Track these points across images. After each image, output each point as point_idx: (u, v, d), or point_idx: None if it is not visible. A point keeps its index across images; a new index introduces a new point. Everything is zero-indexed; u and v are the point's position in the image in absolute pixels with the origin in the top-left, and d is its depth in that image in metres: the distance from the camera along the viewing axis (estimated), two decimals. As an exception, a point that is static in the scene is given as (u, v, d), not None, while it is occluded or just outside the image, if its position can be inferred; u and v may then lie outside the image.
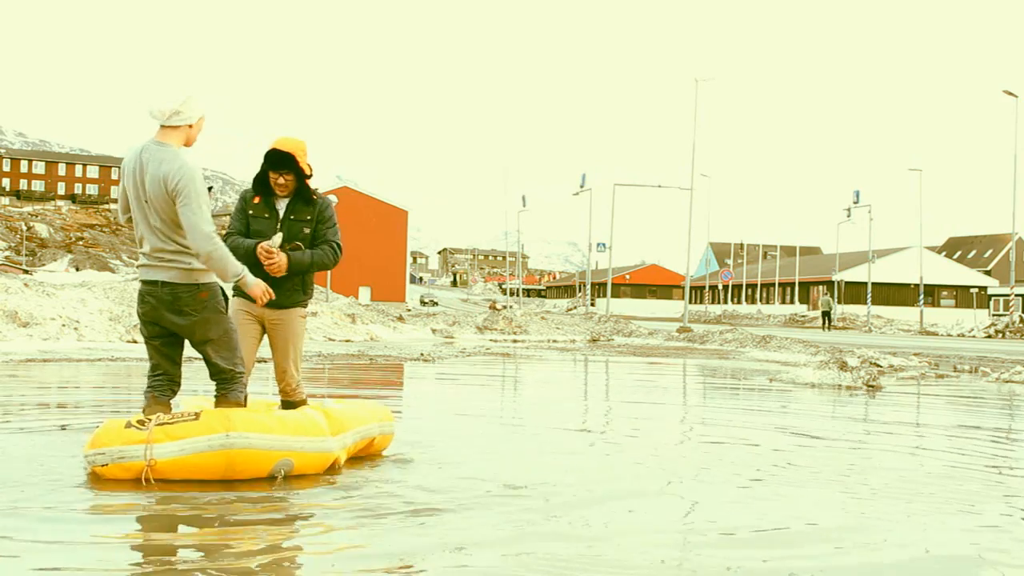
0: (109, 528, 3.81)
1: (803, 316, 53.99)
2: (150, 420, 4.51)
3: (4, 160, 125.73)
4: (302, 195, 5.20)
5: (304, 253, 5.15)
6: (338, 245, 5.28)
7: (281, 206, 5.20)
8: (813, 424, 7.73)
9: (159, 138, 4.62)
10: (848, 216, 55.65)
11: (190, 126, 4.66)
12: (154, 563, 3.37)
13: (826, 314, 42.11)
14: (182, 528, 3.84)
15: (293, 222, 5.17)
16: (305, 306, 5.32)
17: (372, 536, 3.79)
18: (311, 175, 5.19)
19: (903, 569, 3.54)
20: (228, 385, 4.83)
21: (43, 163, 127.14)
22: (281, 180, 5.13)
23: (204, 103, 4.69)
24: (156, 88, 4.61)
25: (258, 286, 4.78)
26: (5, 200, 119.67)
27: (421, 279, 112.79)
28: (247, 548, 3.57)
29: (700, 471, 5.39)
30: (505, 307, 60.06)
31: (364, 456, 5.44)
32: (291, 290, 5.20)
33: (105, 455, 4.51)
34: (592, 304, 63.60)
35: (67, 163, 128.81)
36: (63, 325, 16.16)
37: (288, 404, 5.28)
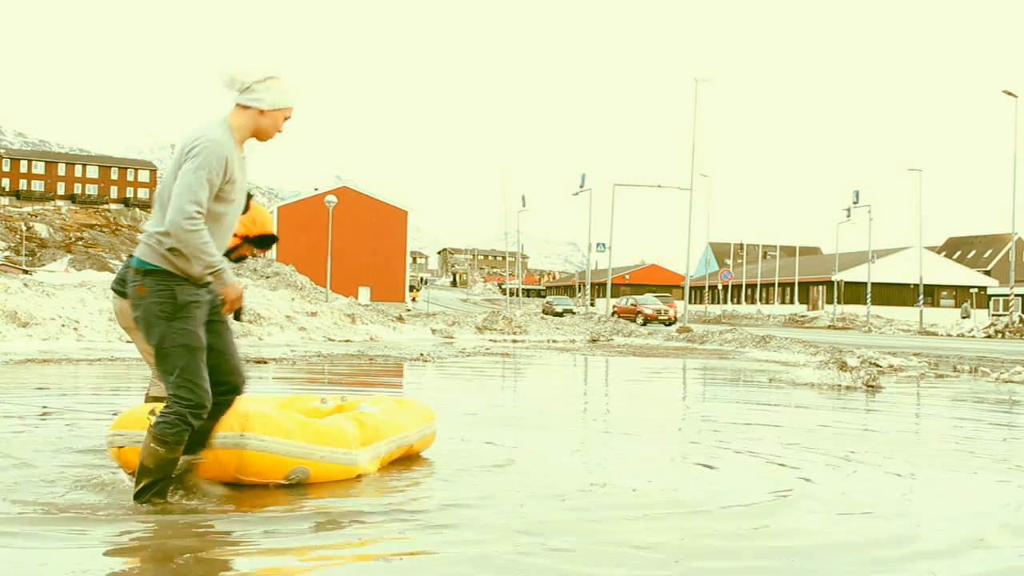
0: (105, 531, 3.80)
1: (803, 316, 54.01)
2: None
3: (4, 160, 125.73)
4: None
5: None
6: None
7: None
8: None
9: (227, 117, 4.03)
10: (848, 216, 55.68)
11: (261, 112, 4.02)
12: (155, 565, 3.37)
13: (965, 317, 44.20)
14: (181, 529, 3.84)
15: None
16: None
17: (373, 534, 3.80)
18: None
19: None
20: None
21: (43, 163, 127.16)
22: (251, 254, 5.09)
23: (293, 96, 4.06)
24: (248, 57, 4.04)
25: (235, 289, 4.05)
26: (5, 200, 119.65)
27: (424, 280, 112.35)
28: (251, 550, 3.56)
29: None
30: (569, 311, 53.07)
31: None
32: None
33: (124, 437, 4.56)
34: (592, 304, 63.59)
35: (67, 163, 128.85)
36: (63, 325, 16.16)
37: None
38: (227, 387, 4.16)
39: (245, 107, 4.02)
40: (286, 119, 4.09)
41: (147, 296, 3.93)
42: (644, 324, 41.35)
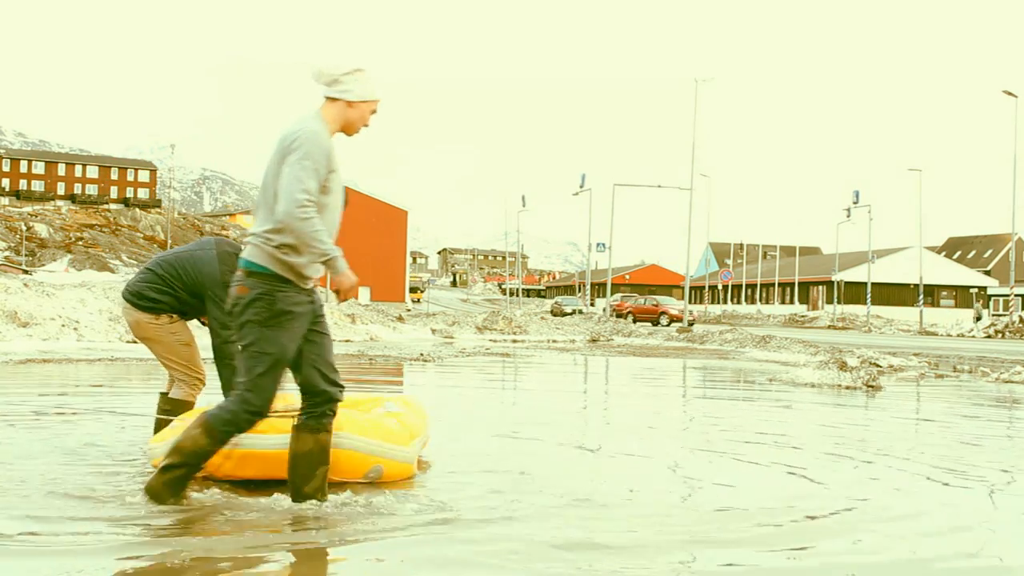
0: (114, 538, 3.80)
1: (803, 316, 54.00)
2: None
3: (4, 160, 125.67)
4: None
5: None
6: None
7: None
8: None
9: (319, 111, 4.05)
10: (848, 216, 55.68)
11: (349, 104, 4.02)
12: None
13: (978, 319, 44.75)
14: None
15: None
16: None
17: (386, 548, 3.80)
18: None
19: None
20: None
21: (43, 163, 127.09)
22: None
23: (379, 89, 4.08)
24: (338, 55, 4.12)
25: (348, 278, 3.99)
26: (5, 200, 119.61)
27: (428, 282, 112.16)
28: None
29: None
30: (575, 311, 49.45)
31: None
32: None
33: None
34: (592, 304, 63.55)
35: (67, 163, 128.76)
36: (63, 325, 16.16)
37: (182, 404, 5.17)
38: (324, 397, 4.10)
39: (334, 100, 4.03)
40: (372, 112, 4.09)
41: (246, 297, 3.91)
42: (668, 324, 40.37)
